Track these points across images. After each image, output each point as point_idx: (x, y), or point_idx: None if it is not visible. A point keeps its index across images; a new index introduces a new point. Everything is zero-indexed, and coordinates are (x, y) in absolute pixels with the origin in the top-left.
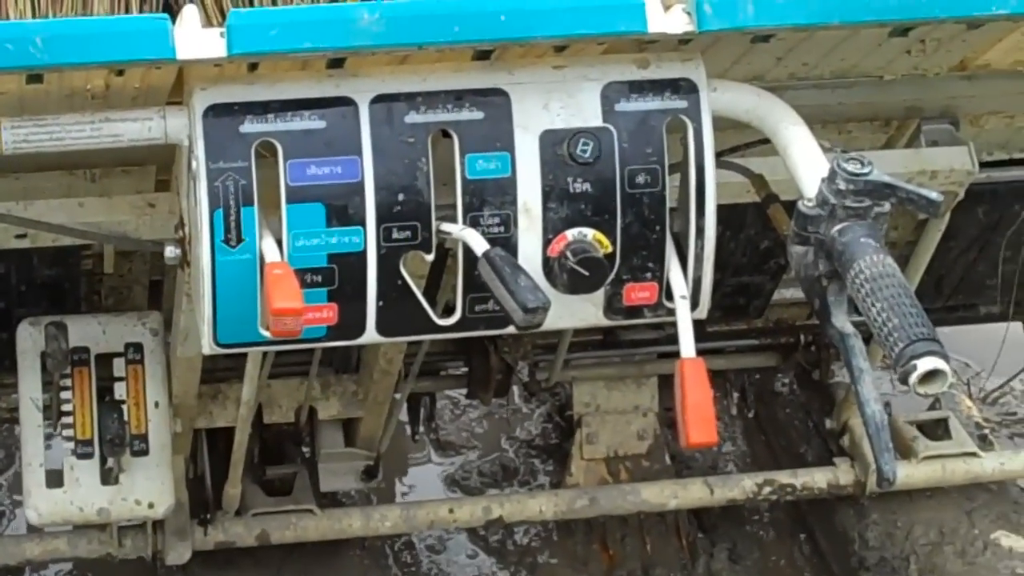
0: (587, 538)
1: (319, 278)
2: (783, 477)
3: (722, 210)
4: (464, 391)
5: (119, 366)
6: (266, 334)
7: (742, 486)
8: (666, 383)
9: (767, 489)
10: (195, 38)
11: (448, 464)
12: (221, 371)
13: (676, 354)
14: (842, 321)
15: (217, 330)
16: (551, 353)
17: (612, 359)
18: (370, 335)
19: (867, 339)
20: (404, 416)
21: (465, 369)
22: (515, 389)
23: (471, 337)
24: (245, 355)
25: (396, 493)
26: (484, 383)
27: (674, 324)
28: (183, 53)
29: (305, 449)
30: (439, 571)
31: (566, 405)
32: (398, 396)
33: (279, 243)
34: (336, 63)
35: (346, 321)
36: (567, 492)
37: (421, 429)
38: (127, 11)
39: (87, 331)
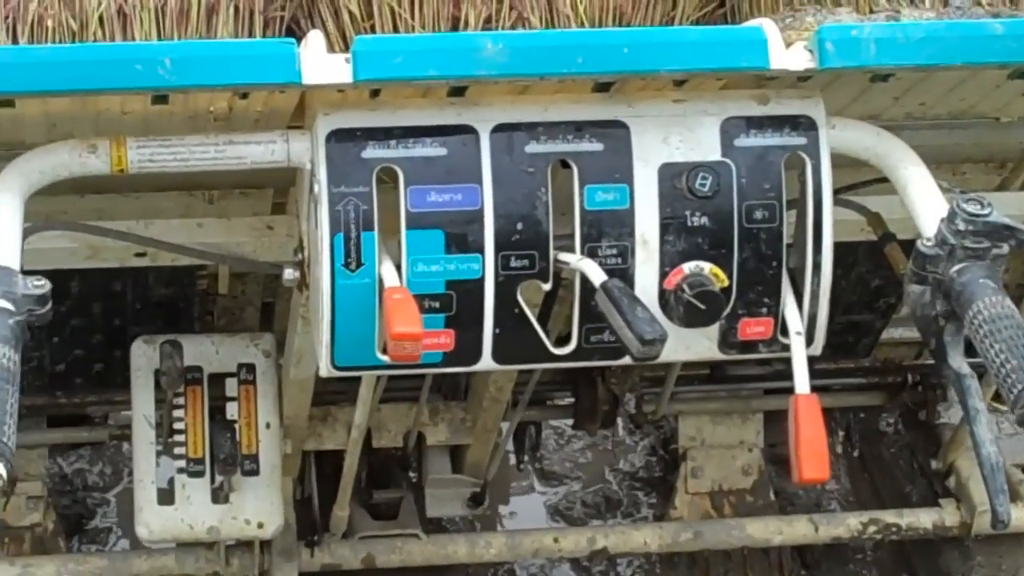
0: (690, 572)
1: (437, 304)
2: (888, 516)
3: (835, 248)
4: (569, 421)
5: (231, 386)
6: (383, 358)
7: (847, 524)
8: (772, 419)
9: (872, 528)
10: (321, 63)
11: (552, 494)
12: (331, 394)
13: (783, 390)
14: (959, 362)
15: (335, 353)
16: (657, 386)
17: (718, 394)
18: (486, 362)
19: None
20: (509, 445)
21: (572, 399)
22: (619, 421)
23: (580, 368)
24: (356, 379)
25: (498, 521)
26: (591, 414)
27: (781, 360)
28: (309, 78)
29: (412, 474)
30: None
31: (670, 438)
32: (505, 424)
33: (398, 268)
34: (458, 91)
35: (462, 347)
36: (672, 525)
37: (526, 458)
38: (250, 34)
39: (201, 351)
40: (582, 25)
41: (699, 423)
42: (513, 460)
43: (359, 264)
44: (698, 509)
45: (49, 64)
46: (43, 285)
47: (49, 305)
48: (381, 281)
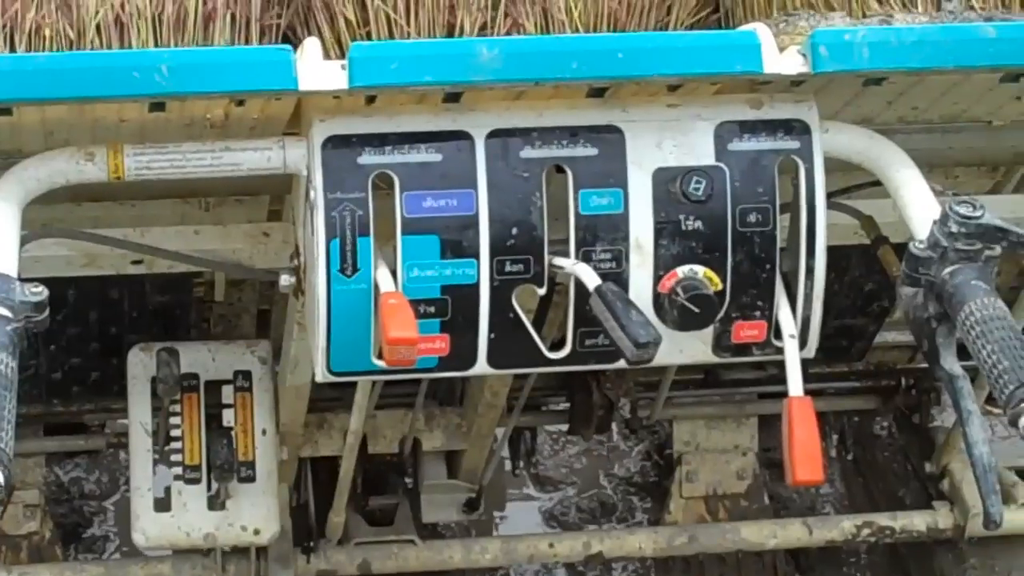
0: None
1: (432, 309)
2: (882, 519)
3: (828, 252)
4: (564, 426)
5: (227, 393)
6: (379, 363)
7: (841, 527)
8: (766, 423)
9: (866, 531)
10: (317, 70)
11: (546, 499)
12: (326, 401)
13: (777, 394)
14: (951, 363)
15: (331, 358)
16: (652, 391)
17: (713, 398)
18: (481, 366)
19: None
20: (505, 451)
21: (567, 405)
22: (614, 426)
23: (574, 373)
24: (351, 385)
25: (494, 527)
26: (586, 419)
27: (775, 364)
28: (305, 84)
29: (408, 480)
30: None
31: (665, 443)
32: (500, 430)
33: (393, 274)
34: (453, 97)
35: (458, 352)
36: (667, 529)
37: (521, 463)
38: (247, 42)
39: (197, 358)
40: (577, 31)
41: (694, 427)
42: (508, 466)
43: (355, 269)
44: (693, 513)
45: (47, 72)
46: (40, 292)
47: (47, 312)
48: (377, 286)
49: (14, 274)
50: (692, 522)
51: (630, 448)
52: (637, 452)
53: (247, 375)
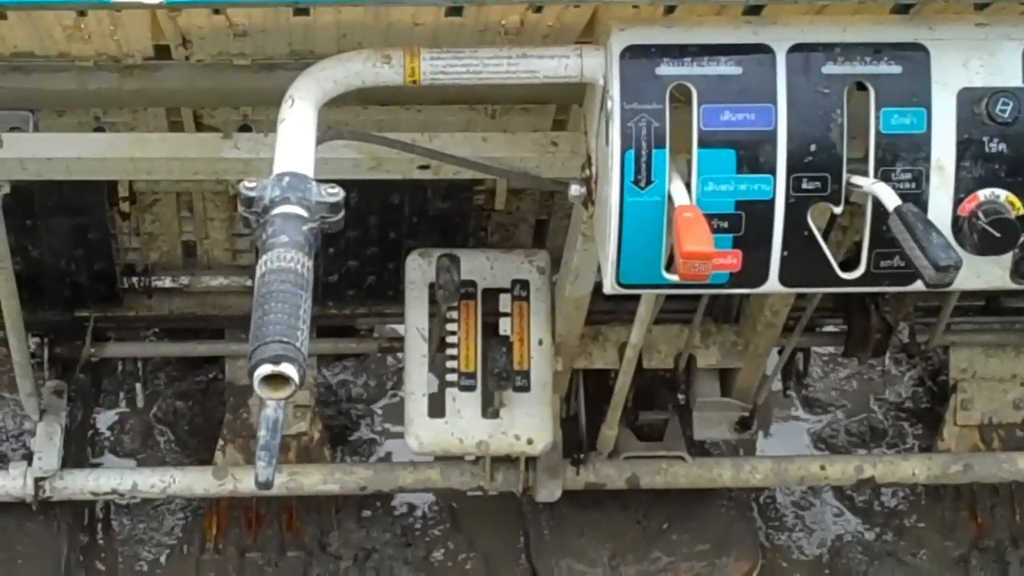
0: (955, 505)
1: (726, 224)
2: None
3: None
4: (834, 348)
5: (505, 302)
6: (669, 277)
7: None
8: None
9: None
10: None
11: (815, 421)
12: (600, 314)
13: None
14: None
15: (620, 270)
16: (930, 315)
17: (993, 326)
18: (772, 284)
19: None
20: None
21: (842, 327)
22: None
23: (853, 295)
24: (626, 298)
25: (758, 447)
26: (863, 342)
27: None
28: None
29: (680, 396)
30: (804, 527)
31: (939, 370)
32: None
33: (687, 187)
34: (753, 10)
35: (749, 269)
36: (941, 457)
37: (791, 385)
38: None
39: (475, 266)
40: None
41: (971, 355)
42: (775, 387)
43: (649, 181)
44: (966, 442)
45: None
46: (337, 193)
47: (342, 213)
48: (670, 199)
49: (311, 174)
50: (965, 451)
51: (902, 374)
52: (909, 378)
53: (525, 284)
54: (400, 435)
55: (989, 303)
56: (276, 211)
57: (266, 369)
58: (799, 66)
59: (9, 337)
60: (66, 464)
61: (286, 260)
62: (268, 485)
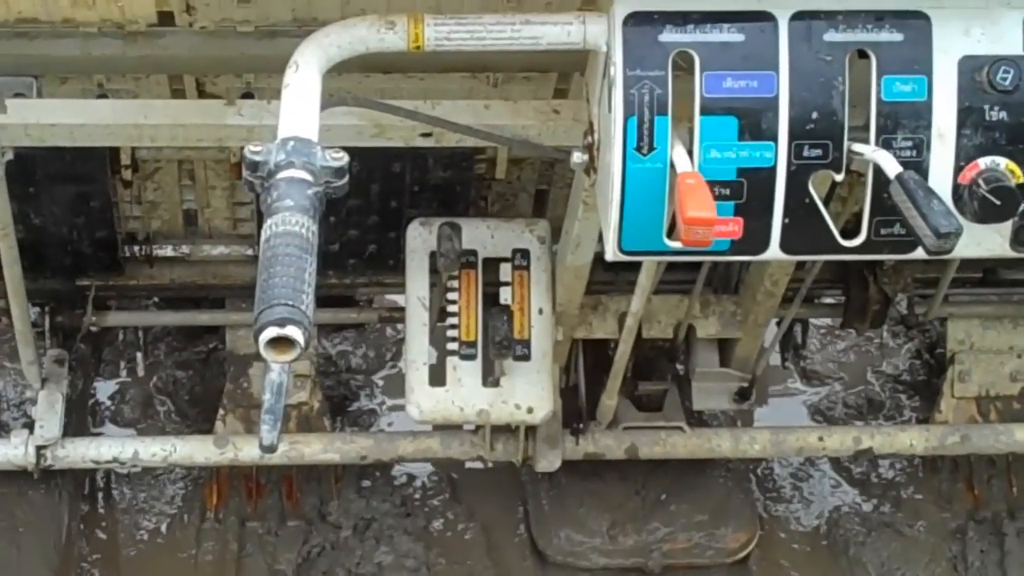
0: (952, 476)
1: (727, 191)
2: None
3: None
4: (831, 320)
5: (505, 271)
6: (671, 244)
7: None
8: None
9: None
10: None
11: (812, 393)
12: (600, 283)
13: None
14: None
15: (622, 237)
16: (929, 287)
17: (990, 298)
18: (773, 251)
19: None
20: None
21: (840, 298)
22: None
23: (851, 266)
24: (625, 267)
25: (756, 419)
26: (861, 313)
27: None
28: None
29: (679, 367)
30: (802, 498)
31: (936, 342)
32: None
33: (689, 154)
34: None
35: (751, 236)
36: (939, 428)
37: (789, 356)
38: None
39: (476, 234)
40: None
41: (969, 327)
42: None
43: (651, 148)
44: (964, 414)
45: None
46: (341, 157)
47: (346, 178)
48: (672, 166)
49: (315, 139)
50: (963, 423)
51: (899, 346)
52: (906, 350)
53: (525, 253)
54: (400, 407)
55: (987, 275)
56: (281, 175)
57: (271, 332)
58: (801, 33)
59: (11, 305)
60: (67, 434)
61: (291, 224)
62: (272, 449)
